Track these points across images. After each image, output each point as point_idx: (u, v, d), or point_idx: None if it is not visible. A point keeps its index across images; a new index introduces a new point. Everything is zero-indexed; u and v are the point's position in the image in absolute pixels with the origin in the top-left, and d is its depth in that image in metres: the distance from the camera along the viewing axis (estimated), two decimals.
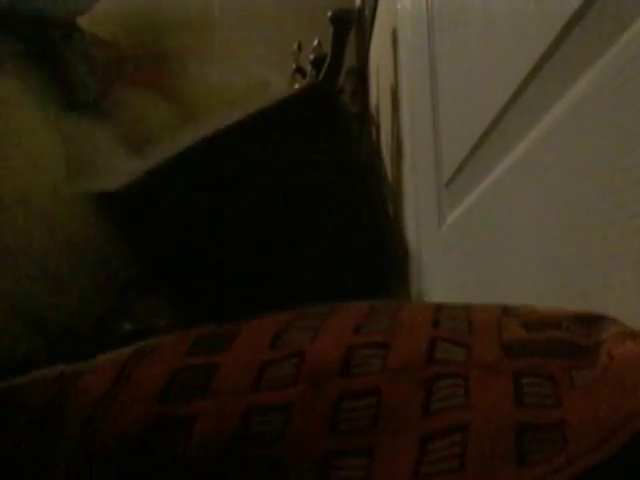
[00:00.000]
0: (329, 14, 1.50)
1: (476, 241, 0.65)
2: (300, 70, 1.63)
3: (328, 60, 1.55)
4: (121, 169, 0.46)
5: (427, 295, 0.94)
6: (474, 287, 0.67)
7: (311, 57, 1.65)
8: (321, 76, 1.53)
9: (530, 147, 0.47)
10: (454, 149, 0.73)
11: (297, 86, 1.54)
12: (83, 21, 0.62)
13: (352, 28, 1.54)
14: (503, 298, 0.55)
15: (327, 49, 1.56)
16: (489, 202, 0.59)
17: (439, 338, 0.25)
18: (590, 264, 0.37)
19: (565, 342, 0.24)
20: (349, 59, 1.70)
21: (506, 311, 0.27)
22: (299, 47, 1.66)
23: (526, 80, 0.47)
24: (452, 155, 0.74)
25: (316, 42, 1.66)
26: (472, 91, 0.64)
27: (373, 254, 0.21)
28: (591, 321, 0.26)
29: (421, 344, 0.24)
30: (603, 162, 0.35)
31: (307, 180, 0.30)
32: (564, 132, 0.41)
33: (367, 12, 1.77)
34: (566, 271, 0.41)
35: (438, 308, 0.28)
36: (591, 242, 0.37)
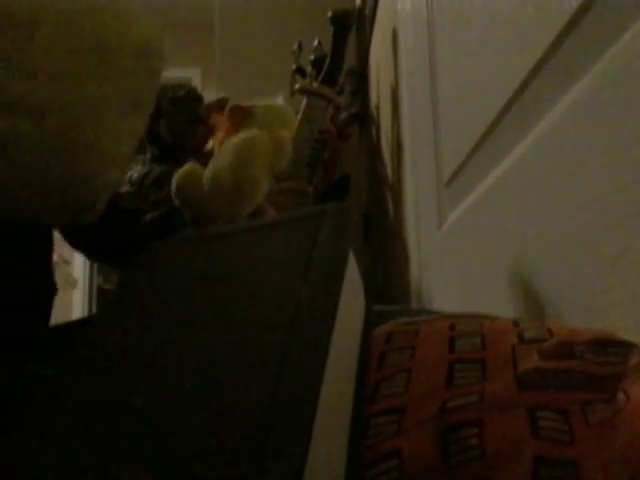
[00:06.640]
0: (329, 14, 1.50)
1: (476, 241, 0.65)
2: (300, 70, 1.63)
3: (328, 60, 1.54)
4: None
5: (427, 295, 0.94)
6: (474, 287, 0.67)
7: (311, 57, 1.65)
8: (321, 76, 1.53)
9: (530, 147, 0.47)
10: (454, 149, 0.73)
11: (297, 87, 1.54)
12: None
13: (352, 28, 1.54)
14: (502, 298, 0.55)
15: (327, 49, 1.56)
16: (489, 202, 0.59)
17: (453, 371, 0.25)
18: (590, 263, 0.37)
19: (579, 373, 0.23)
20: (349, 59, 1.70)
21: (520, 335, 0.27)
22: (299, 47, 1.66)
23: (526, 80, 0.47)
24: (452, 155, 0.74)
25: (316, 42, 1.66)
26: (472, 91, 0.64)
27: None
28: (607, 347, 0.25)
29: (440, 374, 0.25)
30: (603, 161, 0.35)
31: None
32: (564, 132, 0.41)
33: (367, 12, 1.77)
34: (566, 270, 0.41)
35: (452, 342, 0.28)
36: (591, 241, 0.37)
